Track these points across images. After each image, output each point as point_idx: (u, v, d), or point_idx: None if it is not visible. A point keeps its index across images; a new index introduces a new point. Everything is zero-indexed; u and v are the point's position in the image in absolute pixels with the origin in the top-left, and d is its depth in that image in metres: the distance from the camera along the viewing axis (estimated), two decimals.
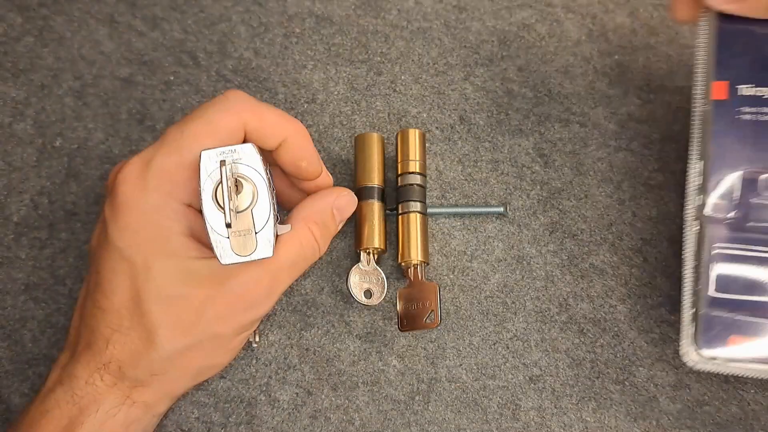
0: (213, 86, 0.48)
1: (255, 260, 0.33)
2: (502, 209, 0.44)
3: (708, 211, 0.34)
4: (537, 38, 0.49)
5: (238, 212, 0.32)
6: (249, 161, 0.33)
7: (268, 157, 0.36)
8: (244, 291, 0.35)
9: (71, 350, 0.36)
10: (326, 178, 0.40)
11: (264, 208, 0.33)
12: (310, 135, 0.48)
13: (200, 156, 0.32)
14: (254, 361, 0.42)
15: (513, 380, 0.41)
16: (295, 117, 0.47)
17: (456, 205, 0.45)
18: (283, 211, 0.41)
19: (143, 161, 0.34)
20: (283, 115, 0.36)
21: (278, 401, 0.41)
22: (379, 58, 0.49)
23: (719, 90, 0.34)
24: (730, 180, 0.34)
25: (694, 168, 0.35)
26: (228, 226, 0.32)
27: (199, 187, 0.32)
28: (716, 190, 0.34)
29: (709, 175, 0.34)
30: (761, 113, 0.33)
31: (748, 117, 0.33)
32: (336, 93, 0.48)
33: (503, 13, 0.50)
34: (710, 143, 0.34)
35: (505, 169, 0.46)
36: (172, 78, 0.48)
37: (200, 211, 0.34)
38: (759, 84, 0.33)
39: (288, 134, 0.36)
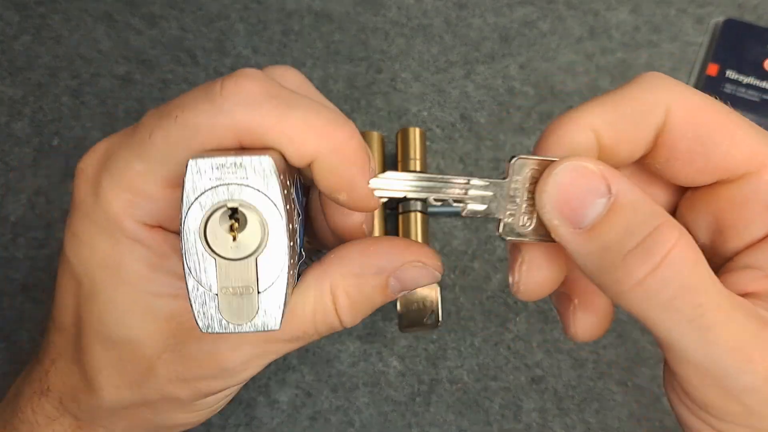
0: None
1: (251, 333, 0.23)
2: None
3: None
4: (539, 35, 0.49)
5: (235, 259, 0.22)
6: (260, 183, 0.21)
7: (308, 173, 0.24)
8: (214, 356, 0.26)
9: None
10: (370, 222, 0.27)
11: (276, 257, 0.22)
12: None
13: (186, 167, 0.21)
14: None
15: (515, 381, 0.41)
16: None
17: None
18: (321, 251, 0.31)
19: (105, 153, 0.25)
20: (316, 118, 0.23)
21: (278, 402, 0.41)
22: (378, 56, 0.48)
23: (712, 69, 0.48)
24: None
25: None
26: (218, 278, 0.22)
27: (181, 212, 0.21)
28: None
29: None
30: (738, 91, 0.47)
31: (727, 91, 0.47)
32: (335, 91, 0.47)
33: (504, 10, 0.50)
34: None
35: None
36: (170, 76, 0.47)
37: (177, 235, 0.25)
38: (740, 72, 0.47)
39: (318, 151, 0.22)
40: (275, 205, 0.22)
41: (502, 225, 0.23)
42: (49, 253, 0.43)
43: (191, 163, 0.21)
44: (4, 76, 0.47)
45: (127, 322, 0.25)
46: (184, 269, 0.22)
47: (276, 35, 0.49)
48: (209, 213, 0.21)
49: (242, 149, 0.23)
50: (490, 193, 0.23)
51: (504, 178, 0.23)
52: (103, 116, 0.46)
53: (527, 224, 0.23)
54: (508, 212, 0.23)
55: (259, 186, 0.21)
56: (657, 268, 0.20)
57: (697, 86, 0.47)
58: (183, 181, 0.21)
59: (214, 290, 0.22)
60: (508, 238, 0.23)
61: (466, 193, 0.23)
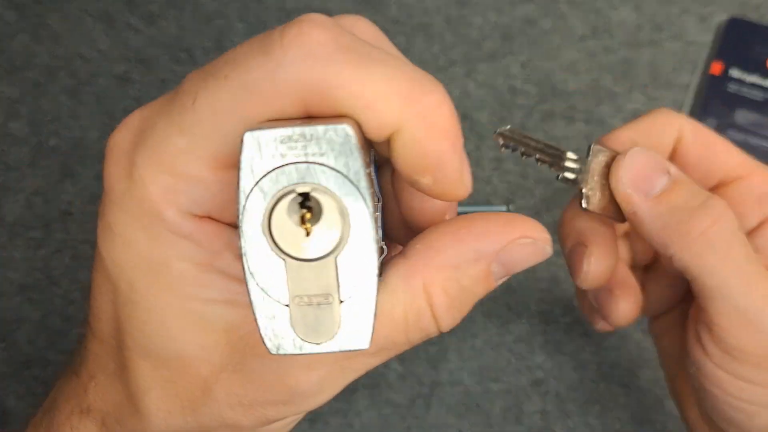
0: None
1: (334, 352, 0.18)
2: (505, 208, 0.44)
3: None
4: (540, 33, 0.49)
5: (309, 259, 0.17)
6: (338, 160, 0.17)
7: (382, 148, 0.20)
8: (284, 377, 0.21)
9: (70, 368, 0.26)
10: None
11: (361, 255, 0.17)
12: None
13: (242, 142, 0.17)
14: None
15: (516, 383, 0.41)
16: None
17: (458, 204, 0.44)
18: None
19: (140, 127, 0.20)
20: (401, 78, 0.18)
21: None
22: None
23: (716, 68, 0.47)
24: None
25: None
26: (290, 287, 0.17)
27: (237, 201, 0.17)
28: None
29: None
30: (741, 90, 0.46)
31: (731, 90, 0.46)
32: None
33: (506, 8, 0.49)
34: (701, 101, 0.47)
35: (509, 168, 0.45)
36: (168, 75, 0.47)
37: (235, 229, 0.20)
38: (744, 71, 0.47)
39: (401, 120, 0.18)
40: (358, 188, 0.17)
41: (584, 196, 0.27)
42: (47, 253, 0.43)
43: (248, 136, 0.17)
44: (1, 75, 0.47)
45: (176, 334, 0.21)
46: (244, 274, 0.17)
47: None
48: (274, 201, 0.17)
49: (310, 118, 0.18)
50: (578, 166, 0.27)
51: (587, 158, 0.27)
52: (101, 116, 0.46)
53: (599, 201, 0.28)
54: (589, 186, 0.27)
55: (336, 164, 0.17)
56: (718, 220, 0.25)
57: (700, 85, 0.47)
58: (239, 161, 0.17)
59: (285, 301, 0.17)
60: (586, 206, 0.27)
61: (563, 161, 0.27)
